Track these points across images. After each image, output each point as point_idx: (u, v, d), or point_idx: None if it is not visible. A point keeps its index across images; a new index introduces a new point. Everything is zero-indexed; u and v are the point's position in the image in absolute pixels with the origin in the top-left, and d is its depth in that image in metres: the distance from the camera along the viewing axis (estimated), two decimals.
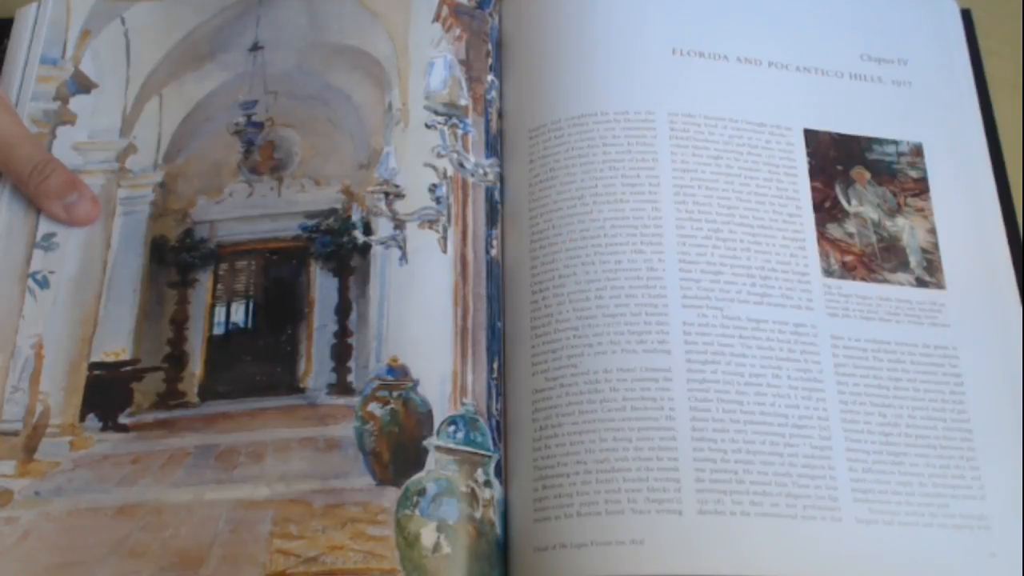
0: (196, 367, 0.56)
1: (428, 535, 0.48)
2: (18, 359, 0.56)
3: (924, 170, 0.60)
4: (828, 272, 0.56)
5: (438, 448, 0.51)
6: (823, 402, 0.52)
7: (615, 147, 0.57)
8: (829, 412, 0.52)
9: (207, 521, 0.50)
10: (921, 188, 0.60)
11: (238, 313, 0.58)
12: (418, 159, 0.58)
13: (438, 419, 0.52)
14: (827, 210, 0.58)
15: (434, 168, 0.58)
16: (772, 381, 0.52)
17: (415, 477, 0.50)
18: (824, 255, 0.56)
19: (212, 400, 0.54)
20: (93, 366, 0.55)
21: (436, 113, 0.60)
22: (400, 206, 0.57)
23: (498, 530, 0.50)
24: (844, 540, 0.49)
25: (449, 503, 0.49)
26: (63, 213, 0.59)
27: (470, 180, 0.58)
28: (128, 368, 0.56)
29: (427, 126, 0.59)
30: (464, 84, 0.60)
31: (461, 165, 0.58)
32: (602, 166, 0.56)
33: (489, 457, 0.51)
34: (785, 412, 0.51)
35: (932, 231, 0.58)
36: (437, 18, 0.62)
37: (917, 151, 0.60)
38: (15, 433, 0.54)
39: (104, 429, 0.54)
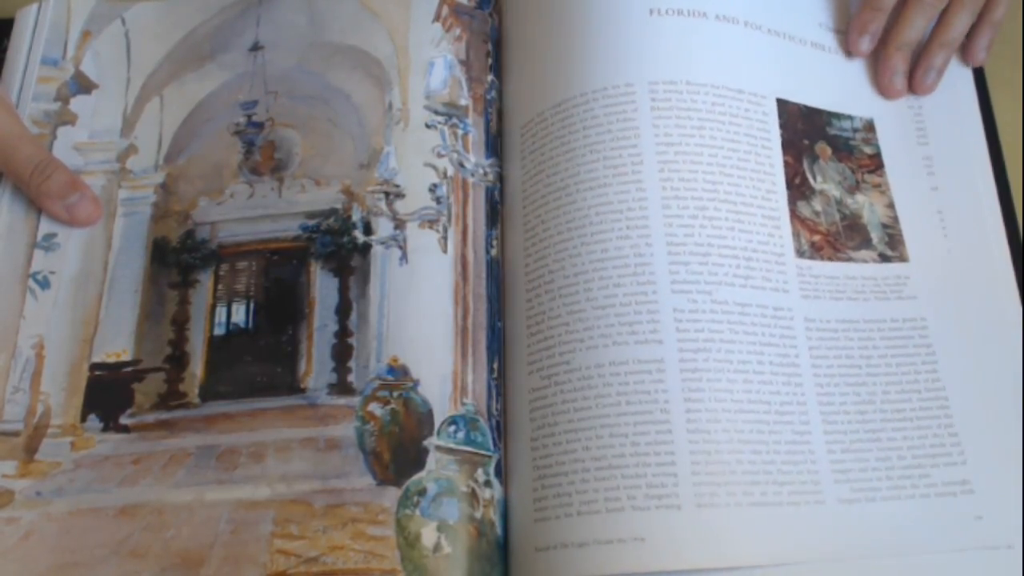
0: (197, 368, 0.56)
1: (429, 535, 0.48)
2: (19, 359, 0.56)
3: (877, 146, 0.59)
4: (800, 253, 0.55)
5: (438, 448, 0.51)
6: (800, 387, 0.51)
7: (595, 128, 0.55)
8: (807, 396, 0.51)
9: (208, 521, 0.50)
10: (876, 164, 0.59)
11: (239, 313, 0.58)
12: (418, 159, 0.58)
13: (438, 419, 0.52)
14: (797, 187, 0.56)
15: (434, 168, 0.58)
16: (757, 367, 0.51)
17: (415, 477, 0.50)
18: (796, 235, 0.55)
19: (213, 400, 0.54)
20: (94, 367, 0.56)
21: (436, 113, 0.60)
22: (400, 206, 0.57)
23: (498, 530, 0.50)
24: (828, 522, 0.48)
25: (450, 503, 0.50)
26: (64, 213, 0.59)
27: (470, 180, 0.58)
28: (129, 369, 0.56)
29: (427, 126, 0.59)
30: (464, 84, 0.61)
31: (461, 165, 0.58)
32: (583, 151, 0.55)
33: (489, 457, 0.51)
34: (768, 399, 0.50)
35: (891, 205, 0.58)
36: (437, 18, 0.62)
37: (869, 127, 0.60)
38: (16, 433, 0.54)
39: (105, 430, 0.54)
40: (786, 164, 0.56)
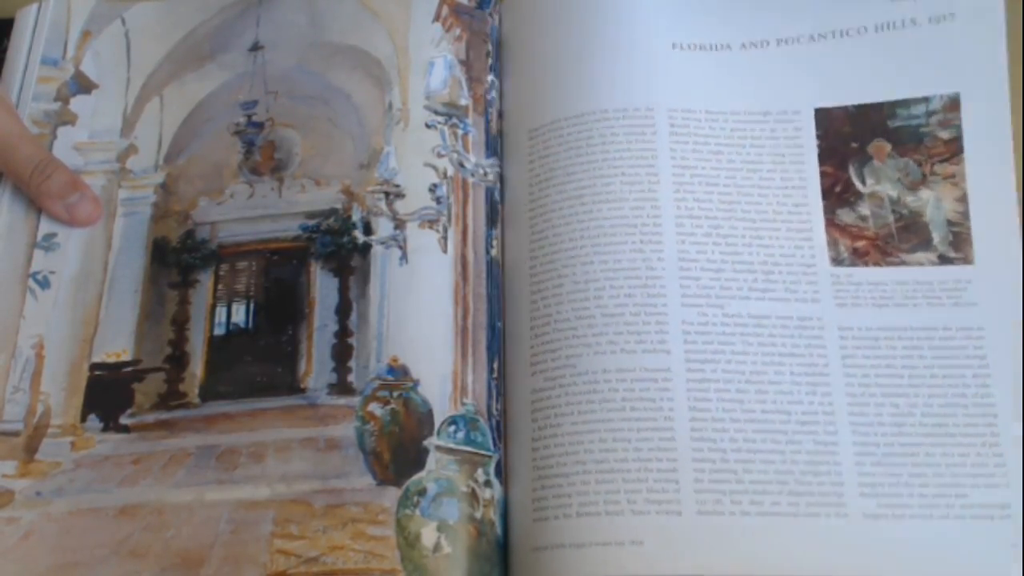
0: (197, 368, 0.56)
1: (429, 535, 0.49)
2: (19, 359, 0.56)
3: (958, 127, 0.55)
4: (837, 261, 0.54)
5: (438, 448, 0.51)
6: (828, 396, 0.51)
7: (614, 145, 0.56)
8: (835, 406, 0.51)
9: (208, 521, 0.50)
10: (953, 150, 0.55)
11: (239, 313, 0.58)
12: (418, 159, 0.58)
13: (438, 419, 0.52)
14: (837, 195, 0.56)
15: (434, 168, 0.58)
16: (774, 378, 0.51)
17: (415, 477, 0.50)
18: (832, 243, 0.54)
19: (213, 400, 0.55)
20: (94, 367, 0.56)
21: (436, 113, 0.60)
22: (400, 206, 0.57)
23: (498, 530, 0.50)
24: (849, 536, 0.48)
25: (450, 503, 0.50)
26: (65, 213, 0.59)
27: (470, 180, 0.58)
28: (129, 369, 0.56)
29: (427, 126, 0.59)
30: (464, 84, 0.61)
31: (461, 165, 0.58)
32: (601, 164, 0.56)
33: (489, 457, 0.51)
34: (788, 409, 0.50)
35: (963, 199, 0.54)
36: (437, 18, 0.62)
37: (952, 104, 0.56)
38: (16, 433, 0.54)
39: (105, 429, 0.54)
40: (824, 174, 0.56)
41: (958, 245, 0.54)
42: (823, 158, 0.57)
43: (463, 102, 0.60)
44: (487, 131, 0.60)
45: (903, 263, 0.54)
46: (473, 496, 0.50)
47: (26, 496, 0.52)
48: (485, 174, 0.59)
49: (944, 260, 0.54)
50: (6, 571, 0.49)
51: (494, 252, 0.57)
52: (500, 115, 0.61)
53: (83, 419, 0.54)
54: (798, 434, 0.50)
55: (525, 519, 0.50)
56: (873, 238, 0.55)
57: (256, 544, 0.49)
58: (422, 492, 0.50)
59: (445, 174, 0.58)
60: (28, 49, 0.64)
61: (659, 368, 0.51)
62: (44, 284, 0.58)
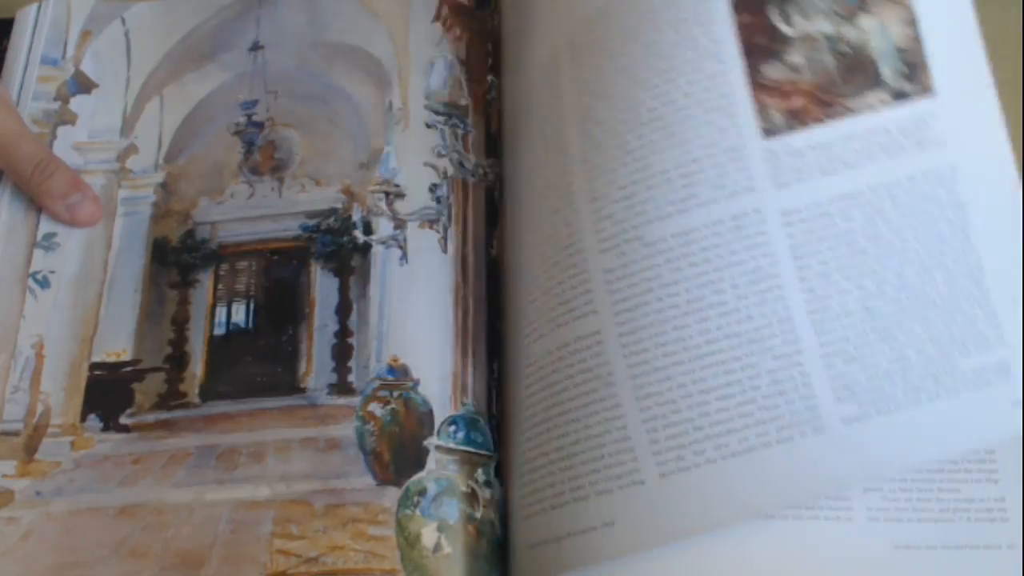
0: (197, 367, 0.56)
1: (429, 535, 0.48)
2: (19, 359, 0.56)
3: None
4: (769, 132, 0.45)
5: (439, 448, 0.51)
6: (782, 300, 0.43)
7: (535, 112, 0.53)
8: (792, 310, 0.43)
9: (208, 521, 0.50)
10: None
11: (239, 313, 0.58)
12: (418, 159, 0.58)
13: (439, 419, 0.52)
14: (761, 48, 0.46)
15: (434, 168, 0.58)
16: (713, 299, 0.44)
17: (416, 477, 0.50)
18: (762, 111, 0.45)
19: (213, 400, 0.55)
20: (94, 366, 0.56)
21: (436, 113, 0.60)
22: (400, 206, 0.57)
23: (498, 530, 0.50)
24: (830, 450, 0.42)
25: (450, 503, 0.50)
26: (65, 213, 0.59)
27: (470, 180, 0.58)
28: (129, 368, 0.56)
29: (427, 126, 0.59)
30: (464, 84, 0.61)
31: (461, 165, 0.58)
32: (526, 136, 0.54)
33: (489, 457, 0.51)
34: (736, 331, 0.43)
35: (911, 21, 0.45)
36: (437, 18, 0.62)
37: None
38: (16, 433, 0.54)
39: (105, 429, 0.54)
40: (742, 27, 0.46)
41: (913, 75, 0.45)
42: (739, 7, 0.46)
43: (463, 102, 0.60)
44: (487, 131, 0.60)
45: (850, 111, 0.45)
46: (473, 496, 0.50)
47: (26, 496, 0.52)
48: (485, 174, 0.59)
49: (899, 96, 0.45)
50: (6, 571, 0.49)
51: (494, 252, 0.57)
52: (500, 115, 0.62)
53: (83, 419, 0.54)
54: (752, 356, 0.43)
55: (518, 517, 0.50)
56: (811, 90, 0.45)
57: (256, 544, 0.49)
58: (422, 492, 0.50)
59: (445, 174, 0.58)
60: (28, 49, 0.65)
61: (590, 332, 0.46)
62: (44, 284, 0.58)
